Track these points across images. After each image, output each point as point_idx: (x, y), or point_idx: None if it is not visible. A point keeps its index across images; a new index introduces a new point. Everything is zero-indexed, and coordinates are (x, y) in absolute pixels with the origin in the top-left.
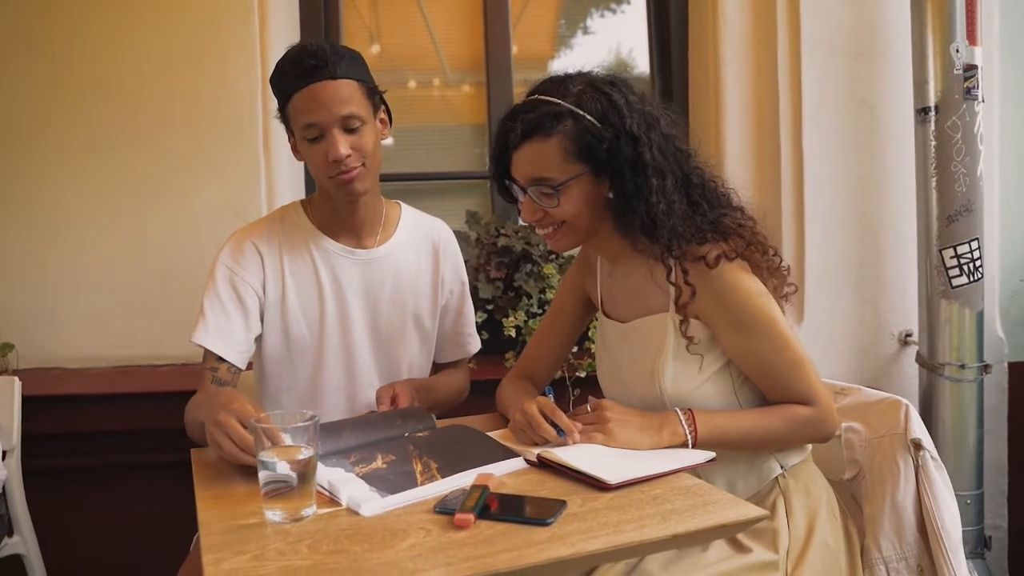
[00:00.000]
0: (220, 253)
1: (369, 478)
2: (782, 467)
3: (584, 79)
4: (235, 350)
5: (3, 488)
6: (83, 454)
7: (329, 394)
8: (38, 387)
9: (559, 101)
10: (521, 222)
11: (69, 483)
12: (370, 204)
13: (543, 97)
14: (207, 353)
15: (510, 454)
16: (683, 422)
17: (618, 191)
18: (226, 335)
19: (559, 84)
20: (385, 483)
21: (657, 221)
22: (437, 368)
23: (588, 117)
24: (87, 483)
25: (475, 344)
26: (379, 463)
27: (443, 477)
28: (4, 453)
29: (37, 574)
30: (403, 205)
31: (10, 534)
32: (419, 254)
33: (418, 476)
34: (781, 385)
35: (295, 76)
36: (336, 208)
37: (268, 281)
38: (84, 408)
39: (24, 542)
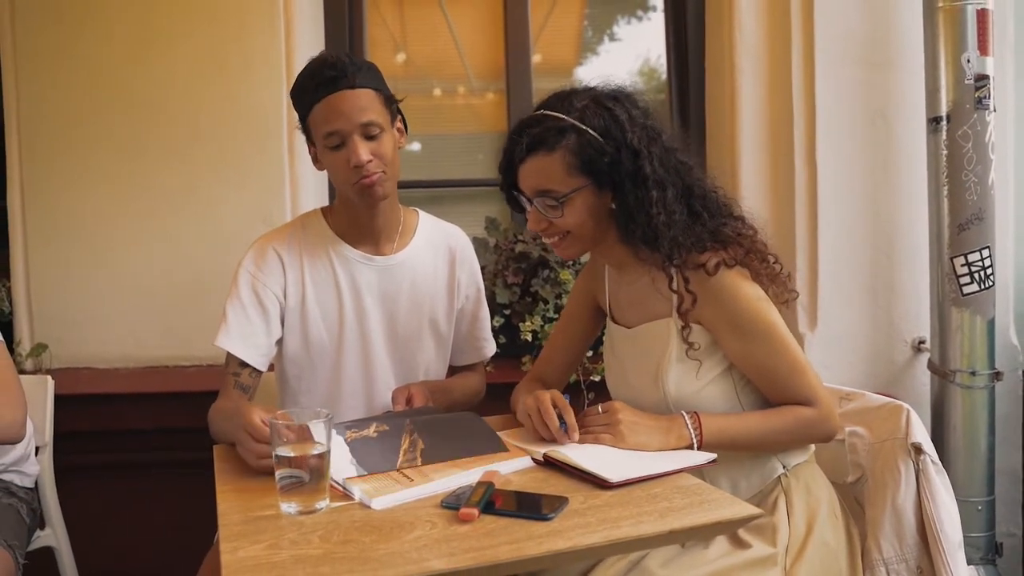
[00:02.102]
0: (243, 259)
1: (354, 446)
2: (784, 467)
3: (588, 95)
4: (256, 353)
5: (36, 483)
6: (113, 451)
7: (347, 396)
8: (70, 386)
9: (563, 116)
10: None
11: (99, 479)
12: (389, 211)
13: (548, 112)
14: (229, 358)
15: (501, 447)
16: (689, 425)
17: (620, 203)
18: (248, 339)
19: (564, 99)
20: (366, 455)
21: (658, 232)
22: (454, 371)
23: (591, 132)
24: (116, 479)
25: (491, 347)
26: (371, 432)
27: (424, 460)
28: (37, 449)
29: (67, 566)
30: (420, 212)
31: (42, 527)
32: (436, 260)
33: (401, 454)
34: (782, 387)
35: (315, 87)
36: (356, 215)
37: (289, 286)
38: (114, 407)
39: (55, 535)
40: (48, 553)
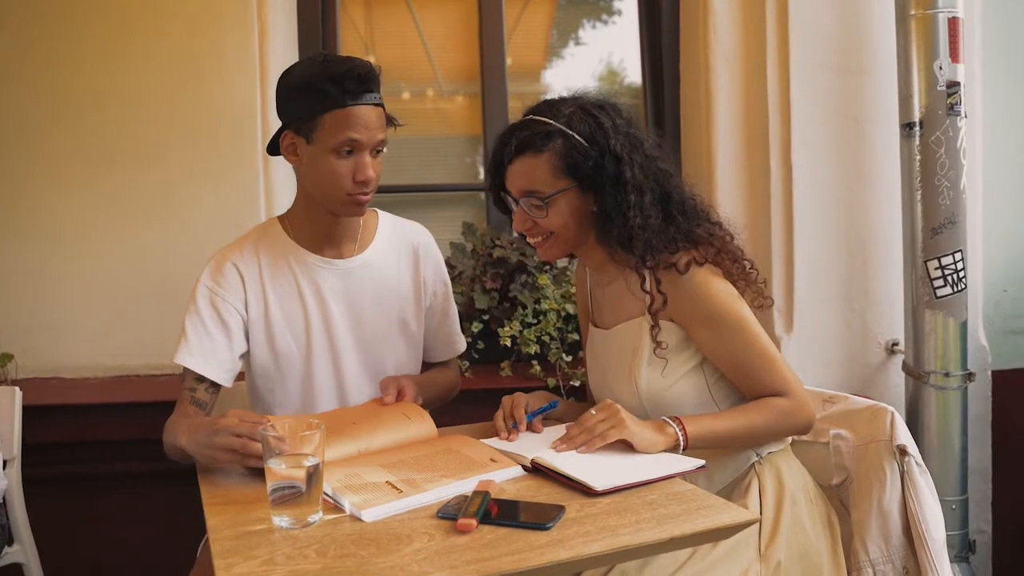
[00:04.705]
0: (201, 275)
1: None
2: (758, 455)
3: (576, 102)
4: (219, 369)
5: (3, 497)
6: (83, 463)
7: (321, 405)
8: (38, 397)
9: (551, 121)
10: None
11: (69, 492)
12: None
13: (536, 117)
14: (186, 372)
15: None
16: (673, 424)
17: (600, 205)
18: (209, 355)
19: (552, 106)
20: None
21: (633, 234)
22: (427, 368)
23: (576, 137)
24: (87, 492)
25: (462, 343)
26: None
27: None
28: (4, 462)
29: None
30: (380, 212)
31: (10, 543)
32: (399, 259)
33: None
34: (755, 380)
35: (341, 92)
36: (318, 220)
37: (250, 300)
38: (84, 417)
39: (24, 551)
40: (16, 570)
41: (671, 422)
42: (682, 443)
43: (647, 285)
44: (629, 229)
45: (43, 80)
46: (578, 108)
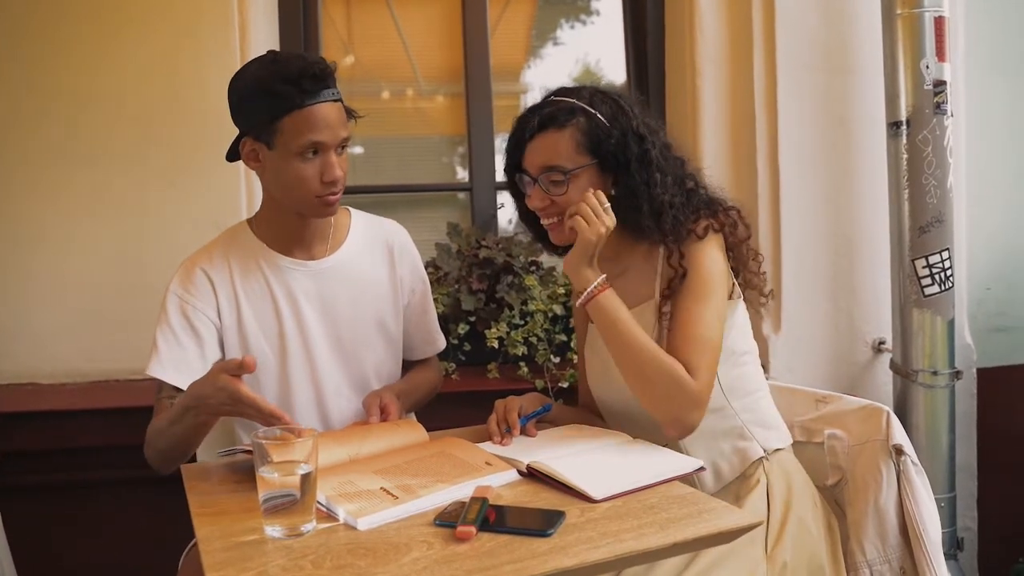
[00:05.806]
0: (170, 283)
1: None
2: (764, 450)
3: (595, 88)
4: (191, 379)
5: None
6: (60, 470)
7: (300, 410)
8: (13, 403)
9: (573, 100)
10: (511, 226)
11: (46, 500)
12: None
13: (558, 97)
14: (162, 384)
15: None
16: (597, 283)
17: (623, 185)
18: (181, 365)
19: (572, 88)
20: None
21: (662, 209)
22: (407, 366)
23: (599, 116)
24: (64, 500)
25: (442, 340)
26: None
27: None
28: None
29: None
30: (352, 211)
31: None
32: (373, 258)
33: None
34: (679, 342)
35: (299, 92)
36: (286, 222)
37: (222, 306)
38: (61, 424)
39: (0, 561)
40: None
41: (598, 280)
42: (593, 290)
43: (673, 260)
44: (659, 204)
45: (23, 80)
46: (598, 91)
